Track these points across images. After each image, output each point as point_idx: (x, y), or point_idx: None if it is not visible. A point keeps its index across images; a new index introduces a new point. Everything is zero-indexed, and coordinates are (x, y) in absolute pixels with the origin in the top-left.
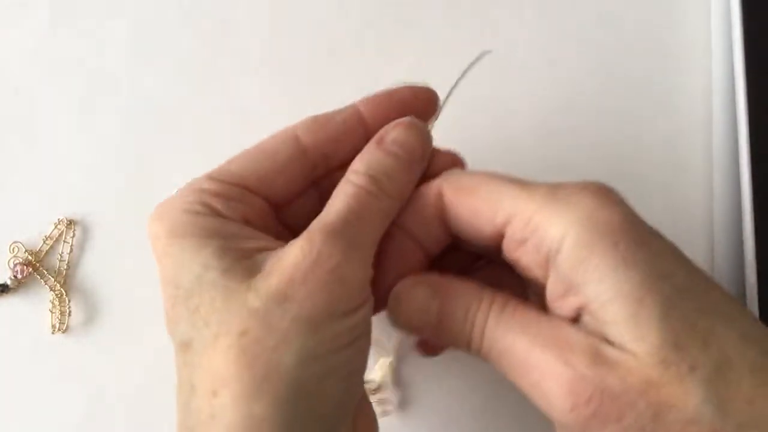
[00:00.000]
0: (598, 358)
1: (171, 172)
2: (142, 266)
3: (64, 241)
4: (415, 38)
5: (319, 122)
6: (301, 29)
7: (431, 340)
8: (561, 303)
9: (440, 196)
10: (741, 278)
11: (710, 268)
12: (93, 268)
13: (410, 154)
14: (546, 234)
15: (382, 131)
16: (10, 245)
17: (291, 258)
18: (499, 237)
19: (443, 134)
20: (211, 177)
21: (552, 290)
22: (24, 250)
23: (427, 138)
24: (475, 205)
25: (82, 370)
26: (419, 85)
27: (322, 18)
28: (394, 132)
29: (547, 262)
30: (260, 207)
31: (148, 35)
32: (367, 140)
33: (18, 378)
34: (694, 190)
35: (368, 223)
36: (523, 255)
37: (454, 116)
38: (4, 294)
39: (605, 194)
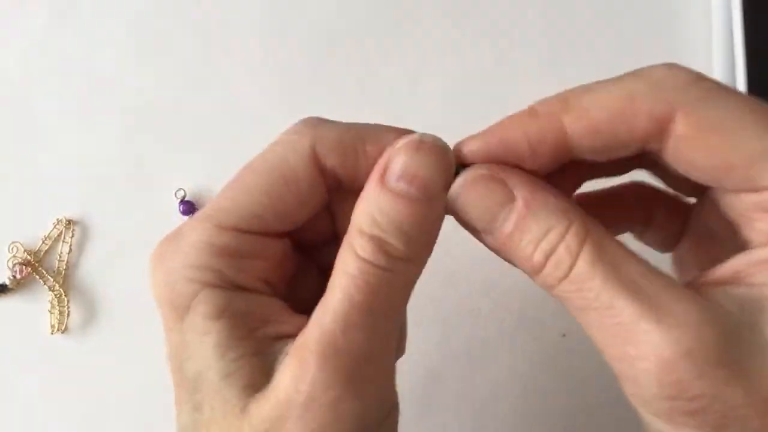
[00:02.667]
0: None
1: (171, 172)
2: (141, 266)
3: (64, 241)
4: (415, 38)
5: (347, 146)
6: (300, 29)
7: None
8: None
9: (669, 117)
10: None
11: None
12: (92, 268)
13: (426, 189)
14: None
15: (382, 160)
16: (9, 245)
17: (283, 384)
18: (727, 177)
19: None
20: (221, 226)
21: (758, 239)
22: (23, 250)
23: (445, 159)
24: (722, 146)
25: (81, 370)
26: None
27: (322, 18)
28: (399, 160)
29: None
30: (281, 251)
31: (148, 35)
32: None
33: (17, 378)
34: None
35: (380, 315)
36: (750, 198)
37: (452, 117)
38: (3, 294)
39: None
